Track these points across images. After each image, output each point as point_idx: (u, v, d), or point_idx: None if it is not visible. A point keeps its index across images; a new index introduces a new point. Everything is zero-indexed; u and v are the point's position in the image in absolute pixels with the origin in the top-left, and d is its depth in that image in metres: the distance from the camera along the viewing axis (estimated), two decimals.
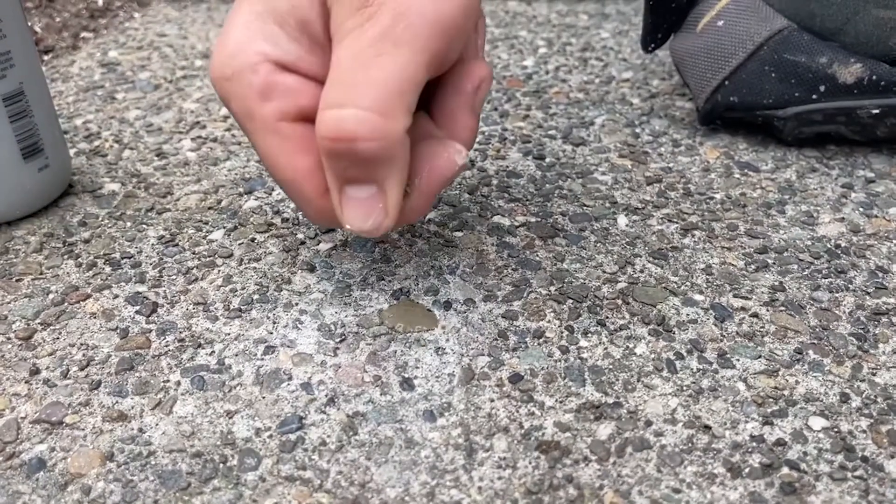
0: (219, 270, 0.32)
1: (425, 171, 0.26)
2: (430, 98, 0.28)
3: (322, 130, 0.23)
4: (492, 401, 0.26)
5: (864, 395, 0.26)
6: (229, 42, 0.25)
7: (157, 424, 0.25)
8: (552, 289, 0.31)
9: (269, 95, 0.24)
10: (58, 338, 0.29)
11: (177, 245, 0.34)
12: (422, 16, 0.22)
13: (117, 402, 0.26)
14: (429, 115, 0.28)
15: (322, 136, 0.23)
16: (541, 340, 0.28)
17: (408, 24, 0.22)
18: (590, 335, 0.29)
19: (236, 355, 0.28)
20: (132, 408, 0.25)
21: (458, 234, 0.35)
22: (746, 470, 0.23)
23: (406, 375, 0.27)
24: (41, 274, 0.32)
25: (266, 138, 0.25)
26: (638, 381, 0.27)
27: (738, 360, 0.27)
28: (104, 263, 0.33)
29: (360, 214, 0.25)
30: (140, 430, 0.25)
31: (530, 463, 0.23)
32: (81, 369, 0.27)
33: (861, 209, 0.36)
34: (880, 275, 0.32)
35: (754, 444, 0.24)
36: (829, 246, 0.34)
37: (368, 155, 0.23)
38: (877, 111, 0.38)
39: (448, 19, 0.23)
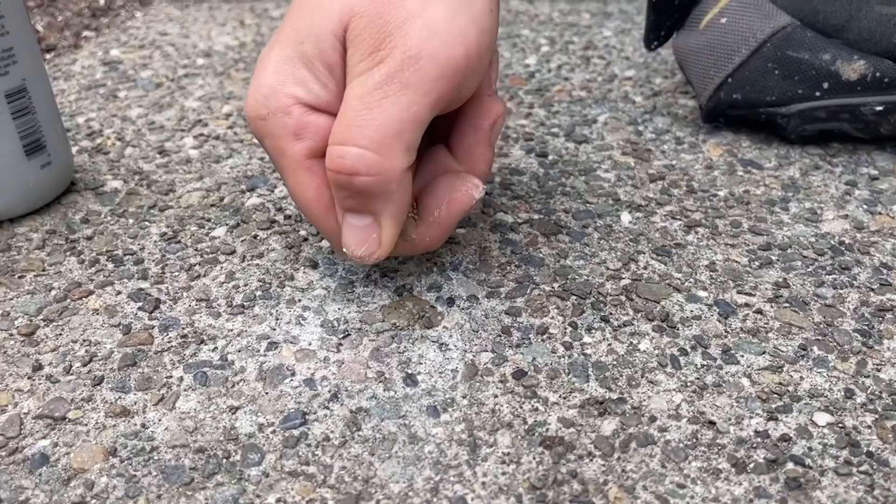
0: (221, 267, 0.32)
1: (444, 203, 0.28)
2: (448, 133, 0.30)
3: (327, 163, 0.25)
4: (495, 396, 0.26)
5: (868, 391, 0.26)
6: (263, 85, 0.27)
7: (159, 420, 0.25)
8: (555, 285, 0.31)
9: (300, 135, 0.26)
10: (60, 334, 0.29)
11: (179, 242, 0.34)
12: (433, 59, 0.24)
13: (120, 397, 0.26)
14: (447, 149, 0.30)
15: (327, 168, 0.25)
16: (544, 336, 0.28)
17: (417, 68, 0.24)
18: (593, 331, 0.29)
19: (239, 351, 0.28)
20: (135, 403, 0.25)
21: (461, 230, 0.34)
22: (751, 465, 0.23)
23: (409, 371, 0.27)
24: (44, 270, 0.32)
25: (296, 174, 0.27)
26: (642, 376, 0.26)
27: (742, 356, 0.27)
28: (107, 260, 0.33)
29: (355, 241, 0.27)
30: (143, 425, 0.25)
31: (534, 458, 0.23)
32: (84, 365, 0.27)
33: (865, 206, 0.36)
34: (884, 271, 0.32)
35: (759, 439, 0.24)
36: (832, 243, 0.34)
37: (364, 188, 0.25)
38: (880, 108, 0.38)
39: (460, 62, 0.24)
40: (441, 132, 0.30)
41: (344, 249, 0.27)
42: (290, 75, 0.26)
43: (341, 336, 0.28)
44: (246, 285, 0.31)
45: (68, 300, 0.30)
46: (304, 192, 0.27)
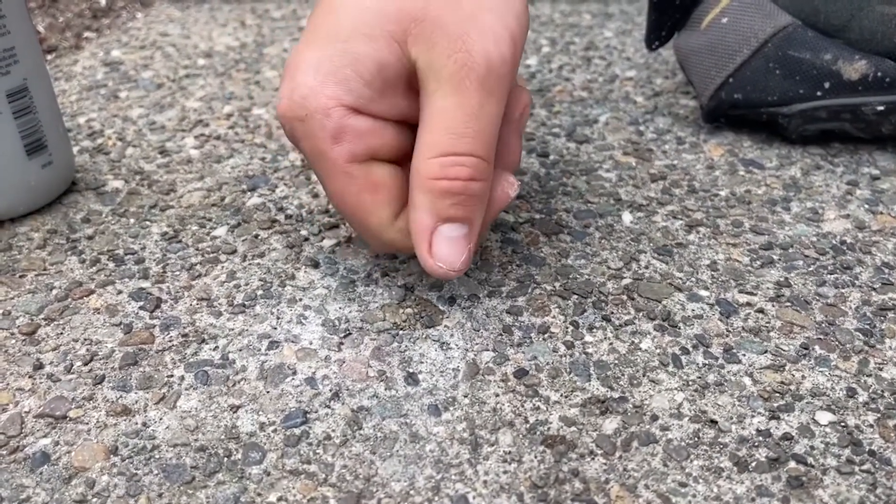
0: (222, 266, 0.32)
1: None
2: None
3: (439, 172, 0.25)
4: (497, 395, 0.26)
5: (870, 390, 0.26)
6: (301, 85, 0.26)
7: (161, 419, 0.25)
8: (557, 284, 0.31)
9: (340, 139, 0.26)
10: (61, 333, 0.29)
11: (180, 241, 0.34)
12: (502, 63, 0.25)
13: (121, 396, 0.26)
14: None
15: (440, 178, 0.25)
16: (546, 335, 0.28)
17: (497, 74, 0.25)
18: (595, 330, 0.28)
19: (240, 350, 0.28)
20: (136, 402, 0.25)
21: None
22: (753, 464, 0.23)
23: (410, 370, 0.27)
24: (45, 270, 0.32)
25: (337, 178, 0.27)
26: (643, 375, 0.26)
27: (744, 354, 0.27)
28: (107, 260, 0.33)
29: (455, 253, 0.26)
30: (144, 424, 0.25)
31: (536, 457, 0.23)
32: (85, 364, 0.27)
33: (866, 206, 0.36)
34: (886, 271, 0.32)
35: (761, 438, 0.24)
36: (834, 242, 0.34)
37: (477, 193, 0.26)
38: (882, 108, 0.38)
39: (512, 63, 0.25)
40: None
41: (439, 265, 0.26)
42: (331, 74, 0.25)
43: (342, 335, 0.28)
44: (247, 285, 0.31)
45: (69, 299, 0.30)
46: (347, 198, 0.27)
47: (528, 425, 0.24)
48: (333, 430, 0.24)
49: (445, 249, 0.26)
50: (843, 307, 0.30)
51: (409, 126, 0.28)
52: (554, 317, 0.29)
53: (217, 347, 0.28)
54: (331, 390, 0.26)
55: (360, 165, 0.26)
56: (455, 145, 0.25)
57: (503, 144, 0.29)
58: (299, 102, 0.26)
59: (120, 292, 0.31)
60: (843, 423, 0.24)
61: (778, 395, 0.26)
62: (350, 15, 0.26)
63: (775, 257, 0.33)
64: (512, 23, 0.26)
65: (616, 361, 0.27)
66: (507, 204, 0.28)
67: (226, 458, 0.23)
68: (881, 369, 0.27)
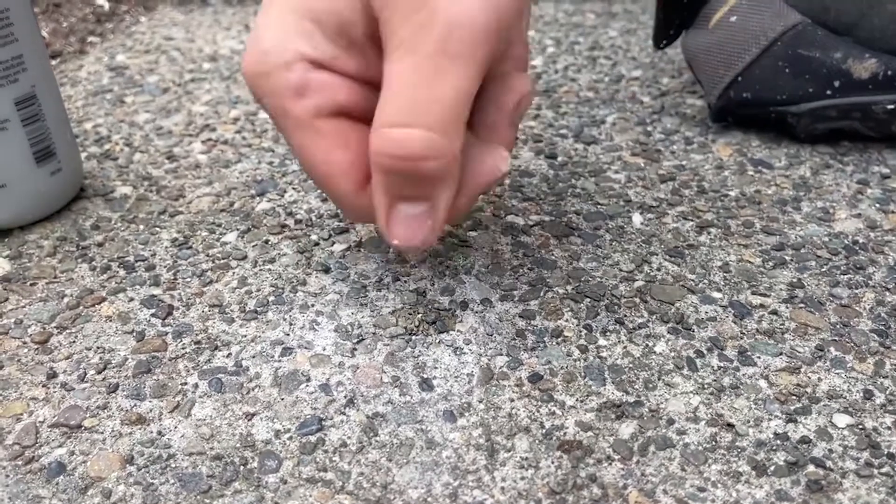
0: (233, 272, 0.32)
1: (469, 175, 0.26)
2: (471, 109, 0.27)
3: (384, 148, 0.23)
4: (512, 401, 0.26)
5: (887, 392, 0.26)
6: (263, 39, 0.24)
7: (175, 427, 0.25)
8: (569, 288, 0.31)
9: (304, 93, 0.24)
10: (74, 341, 0.28)
11: (190, 248, 0.34)
12: (473, 23, 0.22)
13: (135, 405, 0.26)
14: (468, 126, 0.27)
15: (382, 154, 0.23)
16: (559, 339, 0.28)
17: (461, 36, 0.22)
18: (609, 334, 0.28)
19: (253, 357, 0.28)
20: (150, 411, 0.25)
21: (473, 233, 0.34)
22: (771, 468, 0.23)
23: (425, 376, 0.27)
24: (55, 278, 0.32)
25: (302, 134, 0.25)
26: (658, 379, 0.26)
27: (758, 357, 0.27)
28: (118, 266, 0.33)
29: (411, 231, 0.25)
30: (159, 432, 0.24)
31: (553, 463, 0.23)
32: (98, 372, 0.27)
33: (878, 205, 0.36)
34: None
35: (778, 441, 0.24)
36: (846, 242, 0.33)
37: (430, 173, 0.23)
38: (892, 106, 0.38)
39: (496, 24, 0.22)
40: None
41: (394, 241, 0.25)
42: (293, 28, 0.24)
43: (355, 341, 0.28)
44: (258, 291, 0.31)
45: (81, 307, 0.30)
46: (313, 155, 0.25)
47: (543, 430, 0.24)
48: (349, 437, 0.24)
49: (401, 227, 0.25)
50: (857, 308, 0.29)
51: None
52: (567, 320, 0.29)
53: (230, 354, 0.28)
54: (345, 397, 0.26)
55: (328, 120, 0.25)
56: (402, 115, 0.22)
57: (490, 129, 0.27)
58: (261, 59, 0.24)
59: (131, 299, 0.31)
60: (860, 426, 0.24)
61: (794, 397, 0.25)
62: None
63: (787, 258, 0.32)
64: None
65: (630, 365, 0.27)
66: (496, 179, 0.26)
67: (242, 467, 0.23)
68: None
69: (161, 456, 0.24)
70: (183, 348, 0.28)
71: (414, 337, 0.28)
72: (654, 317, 0.29)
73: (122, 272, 0.32)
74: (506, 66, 0.27)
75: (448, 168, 0.23)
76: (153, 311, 0.30)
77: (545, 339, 0.28)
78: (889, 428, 0.24)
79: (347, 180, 0.25)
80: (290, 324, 0.29)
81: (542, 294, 0.30)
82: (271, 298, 0.30)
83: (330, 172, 0.25)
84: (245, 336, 0.29)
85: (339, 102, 0.25)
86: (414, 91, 0.22)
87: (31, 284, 0.32)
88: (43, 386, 0.26)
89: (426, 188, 0.23)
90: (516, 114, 0.27)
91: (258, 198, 0.38)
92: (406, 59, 0.22)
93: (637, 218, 0.35)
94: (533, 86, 0.27)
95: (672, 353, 0.27)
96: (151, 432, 0.25)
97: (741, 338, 0.28)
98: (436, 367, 0.27)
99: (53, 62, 0.58)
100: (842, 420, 0.24)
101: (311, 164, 0.25)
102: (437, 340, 0.28)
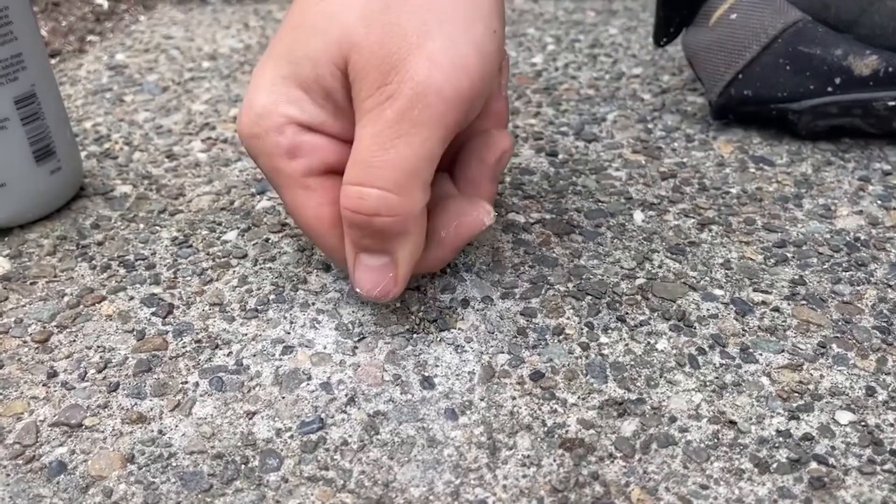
0: (234, 271, 0.32)
1: (453, 226, 0.27)
2: (452, 163, 0.29)
3: (344, 202, 0.25)
4: (513, 398, 0.26)
5: (890, 389, 0.25)
6: (256, 103, 0.26)
7: (176, 426, 0.25)
8: (570, 285, 0.31)
9: (295, 154, 0.26)
10: (74, 340, 0.28)
11: (191, 246, 0.34)
12: (439, 94, 0.23)
13: (136, 403, 0.26)
14: (449, 176, 0.29)
15: (344, 207, 0.25)
16: (560, 337, 0.28)
17: (426, 105, 0.23)
18: (610, 331, 0.28)
19: (254, 356, 0.27)
20: (151, 409, 0.25)
21: None
22: (774, 465, 0.23)
23: (426, 374, 0.27)
24: (55, 277, 0.32)
25: (293, 192, 0.27)
26: (660, 376, 0.26)
27: (760, 354, 0.27)
28: (118, 265, 0.33)
29: (371, 281, 0.26)
30: (160, 431, 0.24)
31: (555, 461, 0.23)
32: (99, 371, 0.27)
33: (879, 202, 0.36)
34: None
35: (781, 438, 0.24)
36: (848, 239, 0.33)
37: (384, 228, 0.25)
38: (893, 103, 0.38)
39: (464, 93, 0.24)
40: (443, 161, 0.29)
41: (357, 290, 0.27)
42: (283, 95, 0.26)
43: (356, 339, 0.28)
44: (259, 289, 0.31)
45: (81, 306, 0.30)
46: (303, 210, 0.27)
47: (545, 428, 0.24)
48: (350, 436, 0.24)
49: (364, 277, 0.26)
50: (859, 305, 0.29)
51: None
52: (568, 318, 0.29)
53: (231, 353, 0.28)
54: (346, 395, 0.26)
55: (318, 178, 0.26)
56: (360, 176, 0.24)
57: (472, 183, 0.29)
58: (255, 121, 0.26)
59: (132, 298, 0.31)
60: (863, 423, 0.24)
61: (797, 394, 0.25)
62: (303, 36, 0.25)
63: (789, 255, 0.32)
64: (465, 51, 0.24)
65: (632, 363, 0.27)
66: (479, 231, 0.28)
67: (243, 466, 0.23)
68: None
69: (162, 455, 0.24)
70: (183, 347, 0.28)
71: (415, 335, 0.28)
72: (656, 314, 0.29)
73: (122, 271, 0.32)
74: (486, 123, 0.29)
75: (405, 224, 0.25)
76: (153, 309, 0.30)
77: (546, 336, 0.28)
78: (892, 425, 0.24)
79: (334, 233, 0.27)
80: (291, 322, 0.29)
81: (543, 292, 0.30)
82: (272, 297, 0.30)
83: (319, 226, 0.27)
84: (246, 334, 0.28)
85: (327, 162, 0.26)
86: (372, 154, 0.24)
87: (31, 283, 0.32)
88: (43, 385, 0.26)
89: (384, 242, 0.25)
90: (497, 169, 0.29)
91: (258, 196, 0.38)
92: (369, 126, 0.24)
93: (638, 215, 0.35)
94: (512, 142, 0.29)
95: (674, 351, 0.27)
96: (152, 431, 0.24)
97: (743, 335, 0.28)
98: (437, 366, 0.27)
99: (53, 61, 0.57)
100: (844, 417, 0.24)
101: (302, 218, 0.27)
102: (439, 338, 0.28)
